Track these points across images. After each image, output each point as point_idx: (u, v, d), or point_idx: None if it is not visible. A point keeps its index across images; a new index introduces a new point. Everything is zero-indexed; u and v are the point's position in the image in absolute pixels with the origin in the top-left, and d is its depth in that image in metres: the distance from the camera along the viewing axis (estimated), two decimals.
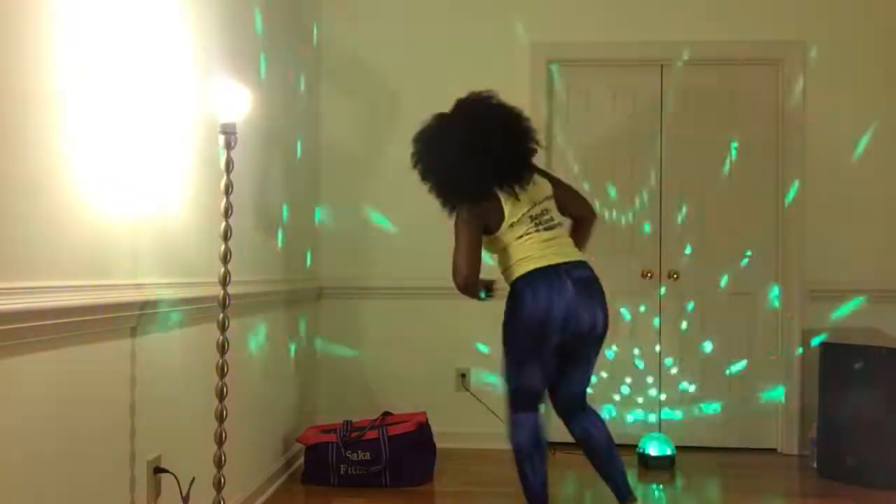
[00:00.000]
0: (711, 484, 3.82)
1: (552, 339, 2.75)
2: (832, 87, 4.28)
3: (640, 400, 4.42)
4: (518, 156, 2.80)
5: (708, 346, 4.41)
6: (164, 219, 2.45)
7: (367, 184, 4.38)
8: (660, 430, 4.29)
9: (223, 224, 2.34)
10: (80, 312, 1.91)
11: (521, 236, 2.79)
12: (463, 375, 4.34)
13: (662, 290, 4.42)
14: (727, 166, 4.41)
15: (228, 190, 2.34)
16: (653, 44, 4.36)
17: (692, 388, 4.40)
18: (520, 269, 2.77)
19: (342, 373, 4.35)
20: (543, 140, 3.01)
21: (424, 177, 2.83)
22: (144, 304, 2.23)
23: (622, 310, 4.42)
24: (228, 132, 2.34)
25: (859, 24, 4.28)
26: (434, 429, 3.78)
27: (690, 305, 4.41)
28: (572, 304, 2.72)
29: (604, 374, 4.41)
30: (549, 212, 2.87)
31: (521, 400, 2.83)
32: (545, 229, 2.82)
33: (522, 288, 2.75)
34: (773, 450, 4.34)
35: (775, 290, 4.35)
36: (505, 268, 2.84)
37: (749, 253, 4.37)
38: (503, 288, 2.88)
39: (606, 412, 4.42)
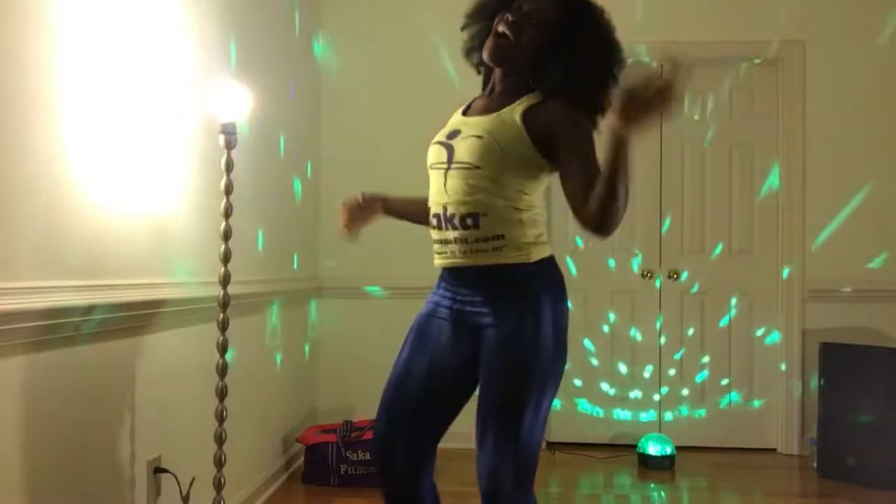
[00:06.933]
0: (711, 484, 3.82)
1: None
2: (832, 87, 4.28)
3: (640, 400, 4.42)
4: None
5: (708, 346, 4.41)
6: (164, 219, 2.45)
7: (368, 183, 4.37)
8: (660, 430, 4.29)
9: (223, 224, 2.34)
10: (80, 312, 1.91)
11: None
12: None
13: (662, 290, 4.42)
14: (727, 166, 4.41)
15: (228, 190, 2.34)
16: (653, 44, 4.35)
17: (692, 388, 4.40)
18: (545, 248, 1.87)
19: (342, 373, 4.35)
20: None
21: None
22: (145, 304, 2.23)
23: (622, 310, 4.43)
24: (228, 132, 2.34)
25: (858, 23, 4.28)
26: None
27: (690, 305, 4.41)
28: None
29: (604, 375, 4.42)
30: None
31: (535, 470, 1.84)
32: None
33: (562, 280, 1.88)
34: (773, 450, 4.34)
35: (775, 290, 4.35)
36: (531, 232, 1.82)
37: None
38: None
39: (607, 412, 4.43)
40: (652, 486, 3.78)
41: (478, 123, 1.81)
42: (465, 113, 1.92)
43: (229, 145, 2.34)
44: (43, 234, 1.82)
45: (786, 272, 4.31)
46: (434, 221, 1.86)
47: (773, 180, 4.37)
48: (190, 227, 2.62)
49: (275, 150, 3.63)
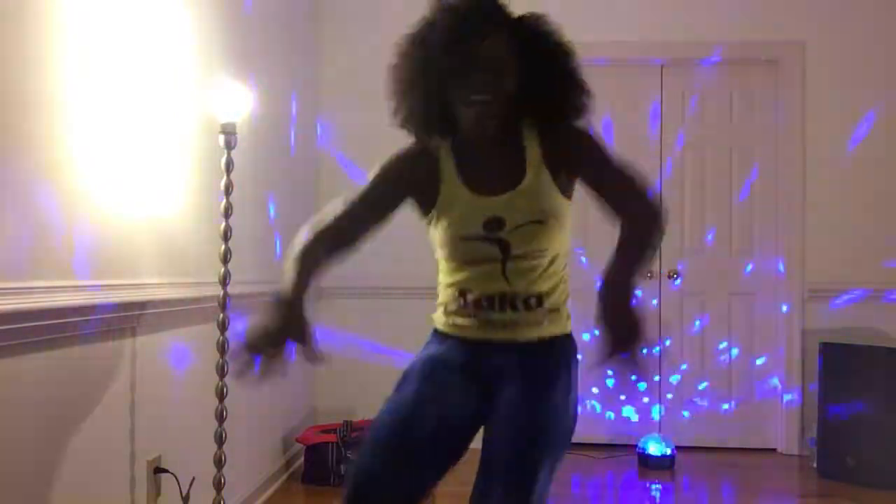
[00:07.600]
0: (711, 484, 3.82)
1: None
2: (831, 86, 4.28)
3: (640, 400, 4.42)
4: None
5: (708, 346, 4.41)
6: (164, 219, 2.44)
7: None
8: (660, 430, 4.29)
9: (223, 224, 2.34)
10: (80, 312, 1.91)
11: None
12: None
13: (662, 290, 4.42)
14: (727, 166, 4.42)
15: (228, 190, 2.34)
16: (653, 44, 4.36)
17: (692, 388, 4.40)
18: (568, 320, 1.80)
19: (342, 373, 4.34)
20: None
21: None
22: (144, 304, 2.23)
23: None
24: (228, 132, 2.34)
25: (858, 23, 4.28)
26: None
27: (691, 305, 4.41)
28: None
29: (604, 375, 4.42)
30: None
31: None
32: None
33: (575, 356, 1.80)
34: (773, 450, 4.34)
35: (775, 290, 4.35)
36: (558, 296, 1.76)
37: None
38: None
39: (607, 412, 4.43)
40: (652, 486, 3.79)
41: (521, 207, 1.65)
42: (474, 190, 1.69)
43: (229, 145, 2.34)
44: (43, 234, 1.82)
45: (785, 272, 4.31)
46: (482, 303, 1.70)
47: (774, 180, 4.37)
48: (190, 227, 2.62)
49: (275, 149, 3.63)
